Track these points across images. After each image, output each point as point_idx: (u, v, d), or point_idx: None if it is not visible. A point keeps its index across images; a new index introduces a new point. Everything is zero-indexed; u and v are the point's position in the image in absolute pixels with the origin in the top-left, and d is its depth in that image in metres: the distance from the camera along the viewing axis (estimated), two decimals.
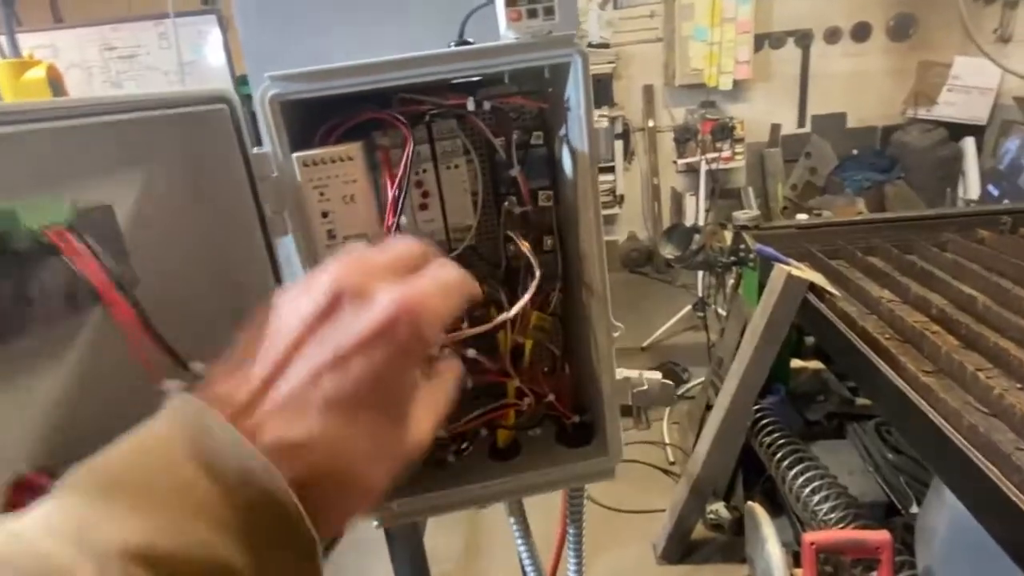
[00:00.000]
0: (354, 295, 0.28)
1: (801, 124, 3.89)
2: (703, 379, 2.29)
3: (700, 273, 2.91)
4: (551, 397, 0.50)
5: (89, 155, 0.32)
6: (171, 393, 0.26)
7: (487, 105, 0.44)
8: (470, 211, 0.46)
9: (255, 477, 0.23)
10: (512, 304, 0.46)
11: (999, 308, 1.17)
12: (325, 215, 0.41)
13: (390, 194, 0.42)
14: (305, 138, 0.43)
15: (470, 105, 0.43)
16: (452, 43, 0.48)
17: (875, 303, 1.34)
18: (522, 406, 0.50)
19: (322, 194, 0.40)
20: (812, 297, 1.50)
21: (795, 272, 1.53)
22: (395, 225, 0.41)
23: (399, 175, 0.42)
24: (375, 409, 0.27)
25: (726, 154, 3.46)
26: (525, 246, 0.47)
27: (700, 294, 2.90)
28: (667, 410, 2.45)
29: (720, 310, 2.59)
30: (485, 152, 0.51)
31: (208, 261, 0.43)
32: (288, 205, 0.41)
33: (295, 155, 0.40)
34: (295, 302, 0.28)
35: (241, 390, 0.26)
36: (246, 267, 0.44)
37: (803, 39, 3.78)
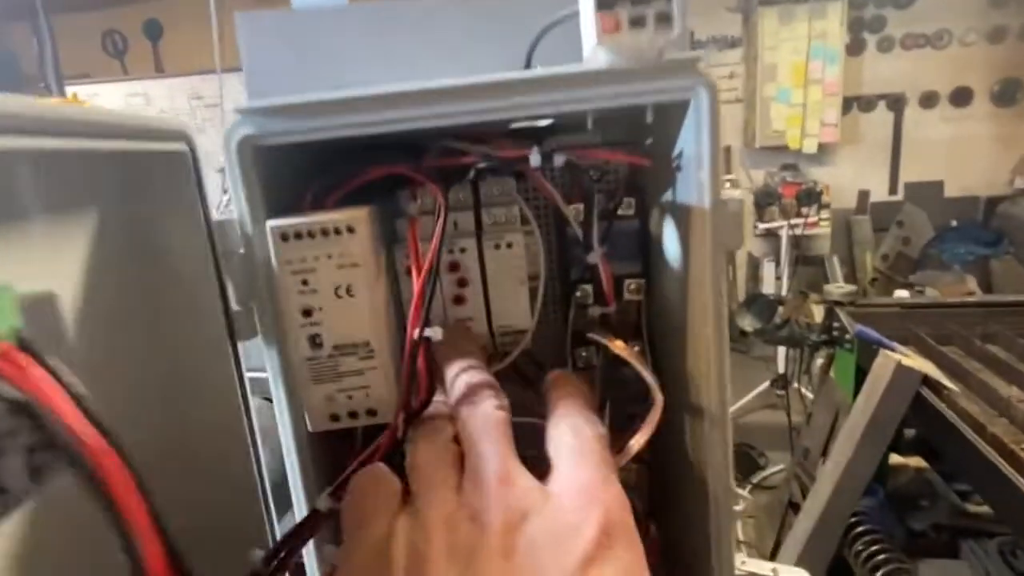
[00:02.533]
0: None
1: (893, 191, 3.64)
2: (782, 467, 2.05)
3: (781, 347, 2.68)
4: None
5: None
6: None
7: (559, 159, 0.29)
8: (525, 309, 0.32)
9: None
10: None
11: None
12: (308, 313, 0.27)
13: (415, 287, 0.27)
14: (298, 201, 0.30)
15: (534, 160, 0.28)
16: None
17: (1004, 403, 1.13)
18: None
19: (305, 282, 0.27)
20: (926, 391, 1.29)
21: (906, 361, 1.31)
22: (420, 337, 0.27)
23: (429, 257, 0.27)
24: None
25: (812, 220, 3.24)
26: (626, 351, 0.32)
27: (781, 370, 2.65)
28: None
29: (804, 390, 2.36)
30: (551, 224, 0.37)
31: (158, 363, 0.29)
32: (257, 296, 0.28)
33: (270, 224, 0.27)
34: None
35: None
36: (205, 373, 0.31)
37: (896, 103, 3.56)
